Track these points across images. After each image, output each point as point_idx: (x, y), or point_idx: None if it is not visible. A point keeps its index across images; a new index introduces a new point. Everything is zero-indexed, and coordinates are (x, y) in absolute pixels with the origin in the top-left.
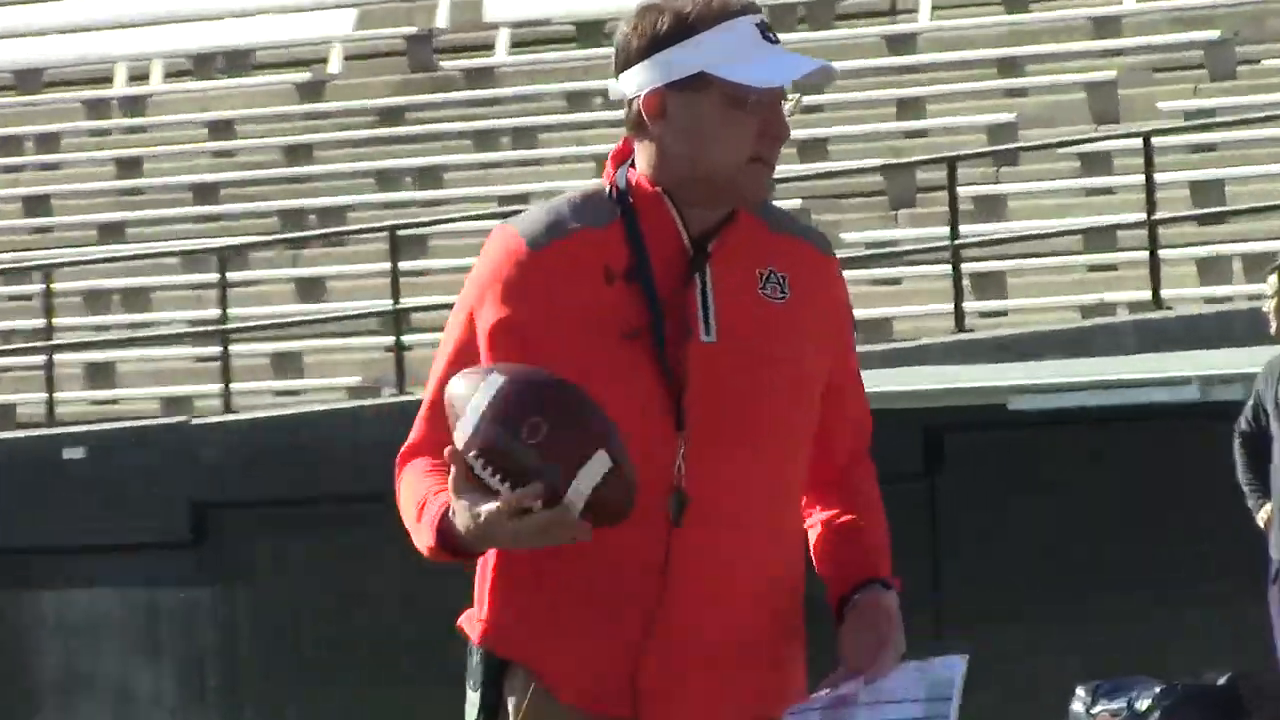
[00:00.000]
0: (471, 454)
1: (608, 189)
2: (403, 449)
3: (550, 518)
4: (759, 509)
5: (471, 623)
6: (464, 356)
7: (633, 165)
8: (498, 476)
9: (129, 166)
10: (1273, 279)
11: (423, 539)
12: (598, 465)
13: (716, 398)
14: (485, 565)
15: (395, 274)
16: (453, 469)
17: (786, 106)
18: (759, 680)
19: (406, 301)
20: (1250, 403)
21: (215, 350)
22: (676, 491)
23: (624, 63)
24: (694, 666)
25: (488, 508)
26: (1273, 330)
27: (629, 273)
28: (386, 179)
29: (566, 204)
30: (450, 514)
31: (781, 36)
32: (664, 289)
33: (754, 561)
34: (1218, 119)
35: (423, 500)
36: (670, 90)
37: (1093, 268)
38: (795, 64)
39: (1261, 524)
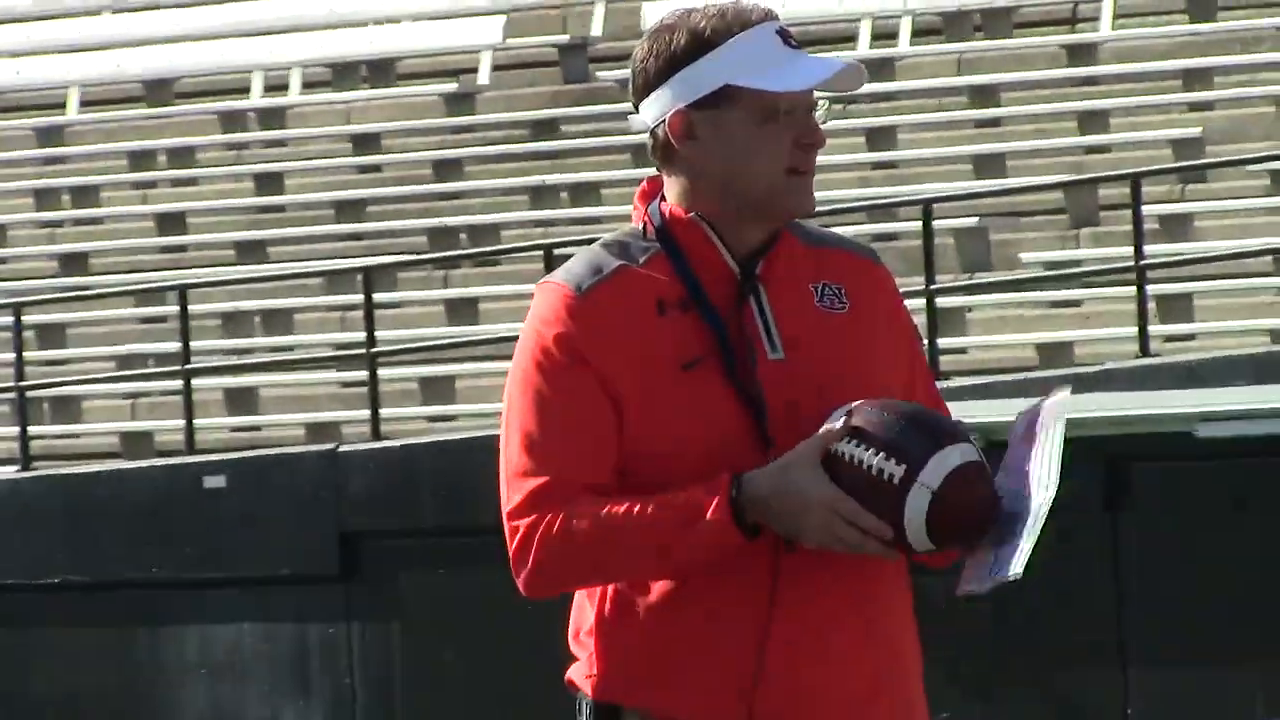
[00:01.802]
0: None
1: (642, 227)
2: (527, 496)
3: (875, 526)
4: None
5: (581, 677)
6: (544, 401)
7: (663, 199)
8: (870, 450)
9: (268, 182)
10: None
11: (685, 520)
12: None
13: (797, 413)
14: (587, 615)
15: None
16: (813, 445)
17: (819, 114)
18: (879, 691)
19: None
20: None
21: (362, 375)
22: None
23: (642, 89)
24: (809, 686)
25: (850, 505)
26: None
27: (682, 302)
28: (540, 195)
29: (602, 248)
30: (744, 476)
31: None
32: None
33: (859, 574)
34: None
35: (658, 502)
36: (695, 110)
37: None
38: (822, 67)
39: None
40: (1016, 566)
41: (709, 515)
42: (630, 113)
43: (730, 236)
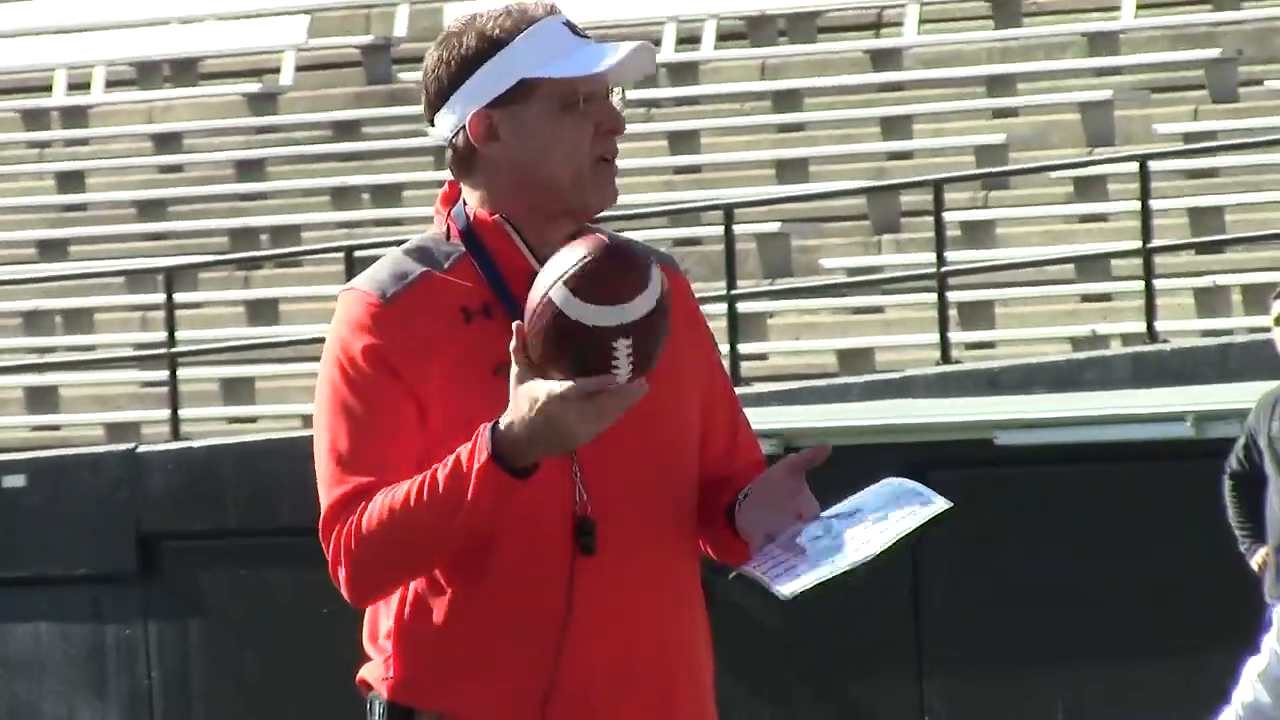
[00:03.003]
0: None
1: (445, 231)
2: (333, 506)
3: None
4: (655, 525)
5: (376, 678)
6: (352, 406)
7: (465, 203)
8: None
9: (70, 181)
10: (1277, 305)
11: (456, 486)
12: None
13: None
14: (386, 618)
15: None
16: (515, 365)
17: (615, 99)
18: (672, 701)
19: None
20: (1241, 441)
21: (162, 375)
22: (582, 519)
23: (435, 98)
24: (603, 694)
25: (569, 384)
26: None
27: (487, 307)
28: (342, 196)
29: (406, 254)
30: (497, 425)
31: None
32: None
33: (657, 582)
34: (1218, 142)
35: (430, 471)
36: (494, 109)
37: (1085, 297)
38: (614, 50)
39: (1256, 567)
40: (788, 590)
41: (475, 465)
42: (428, 126)
43: (533, 236)
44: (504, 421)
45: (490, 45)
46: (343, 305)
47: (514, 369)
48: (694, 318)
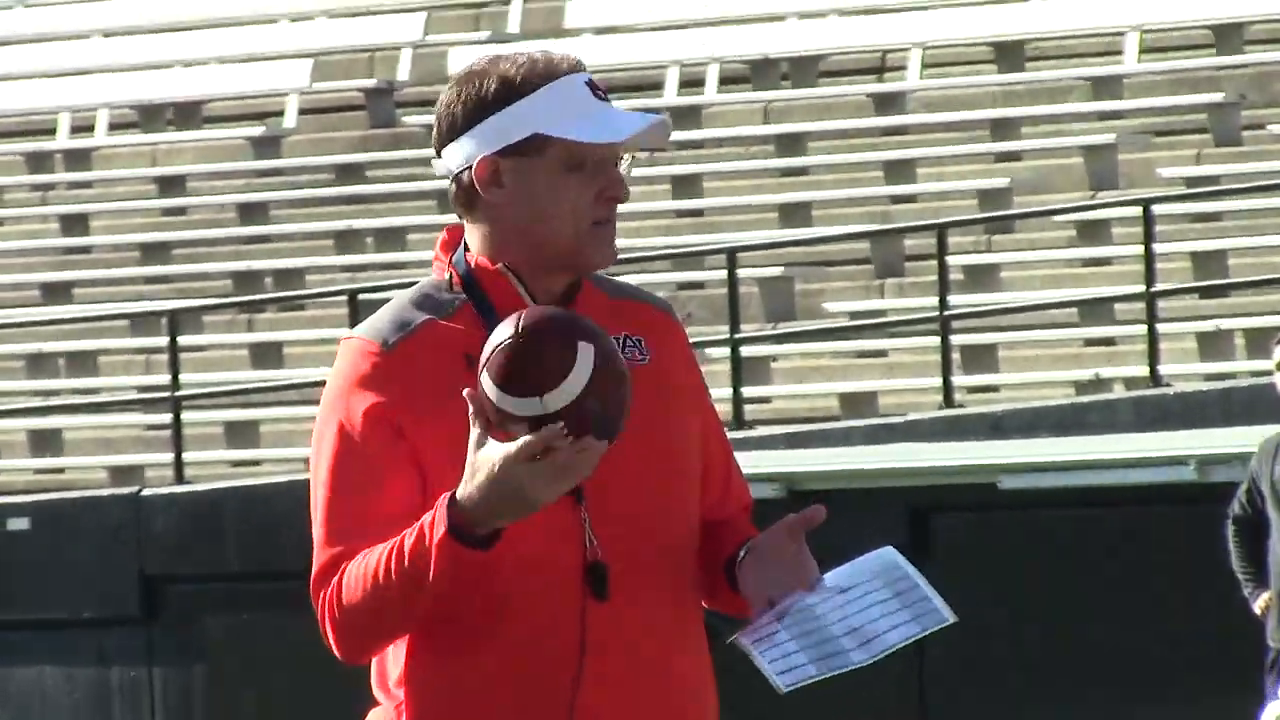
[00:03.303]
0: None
1: (447, 279)
2: (322, 568)
3: (546, 436)
4: (661, 569)
5: None
6: (348, 463)
7: (466, 249)
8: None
9: (74, 223)
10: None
11: (419, 559)
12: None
13: (605, 463)
14: (396, 663)
15: None
16: (475, 429)
17: (623, 166)
18: None
19: None
20: (1244, 486)
21: (166, 418)
22: (594, 564)
23: (448, 133)
24: None
25: (516, 445)
26: None
27: None
28: (346, 240)
29: (408, 302)
30: (456, 495)
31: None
32: None
33: (664, 625)
34: (1221, 186)
35: (399, 540)
36: (503, 157)
37: (1088, 341)
38: (632, 121)
39: (1259, 611)
40: (786, 684)
41: (434, 540)
42: (434, 158)
43: (534, 284)
44: (461, 492)
45: (511, 91)
46: (344, 354)
47: (473, 432)
48: (690, 364)
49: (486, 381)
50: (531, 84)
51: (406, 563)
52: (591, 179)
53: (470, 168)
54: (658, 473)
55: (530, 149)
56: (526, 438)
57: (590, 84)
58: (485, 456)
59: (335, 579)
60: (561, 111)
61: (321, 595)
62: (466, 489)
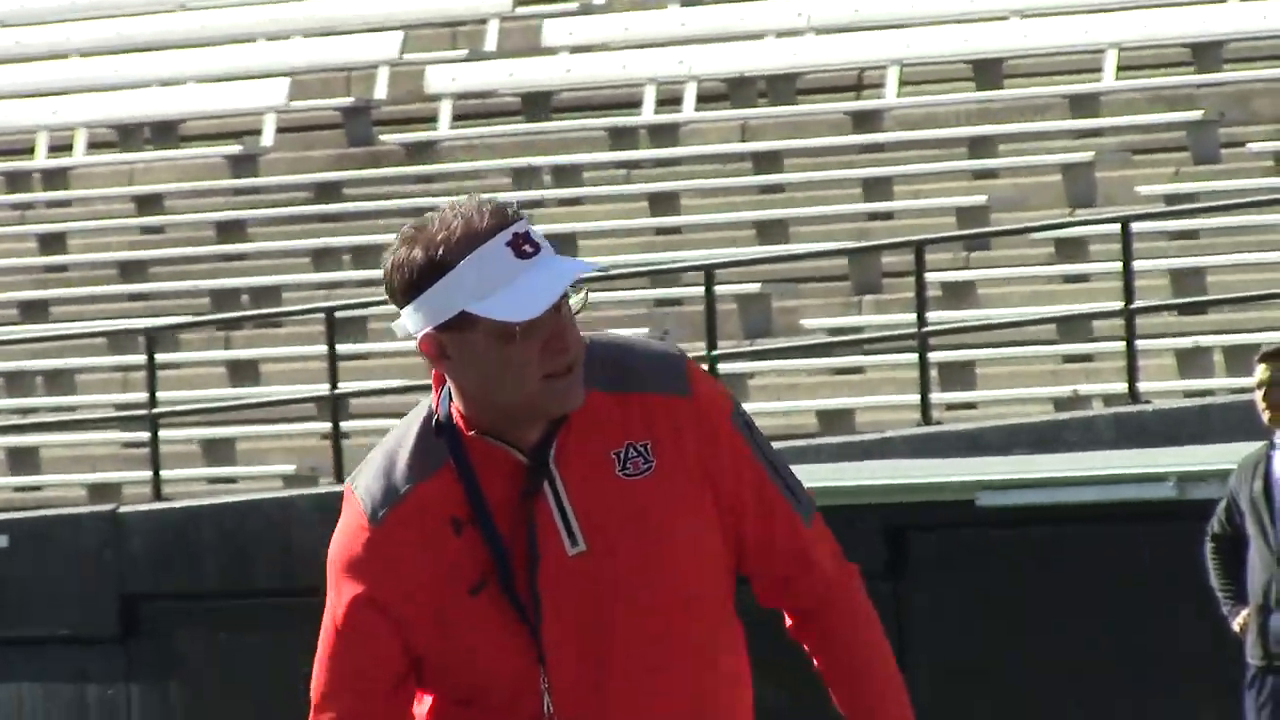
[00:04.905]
0: None
1: (435, 425)
2: None
3: None
4: (649, 712)
5: None
6: (344, 638)
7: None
8: None
9: (52, 242)
10: (1261, 368)
11: None
12: None
13: (574, 618)
14: None
15: (332, 357)
16: None
17: (573, 300)
18: None
19: (344, 386)
20: (1223, 503)
21: (144, 435)
22: None
23: (398, 298)
24: None
25: None
26: (1265, 420)
27: (473, 518)
28: (323, 258)
29: (402, 457)
30: None
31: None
32: (511, 520)
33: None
34: (1199, 204)
35: None
36: (442, 331)
37: (1067, 358)
38: (549, 286)
39: (1237, 629)
40: None
41: None
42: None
43: (512, 434)
44: None
45: (434, 269)
46: (345, 512)
47: None
48: (712, 442)
49: None
50: (455, 254)
51: None
52: (531, 339)
53: (418, 340)
54: (634, 609)
55: (464, 325)
56: None
57: (513, 240)
58: None
59: None
60: (482, 286)
61: None
62: None
